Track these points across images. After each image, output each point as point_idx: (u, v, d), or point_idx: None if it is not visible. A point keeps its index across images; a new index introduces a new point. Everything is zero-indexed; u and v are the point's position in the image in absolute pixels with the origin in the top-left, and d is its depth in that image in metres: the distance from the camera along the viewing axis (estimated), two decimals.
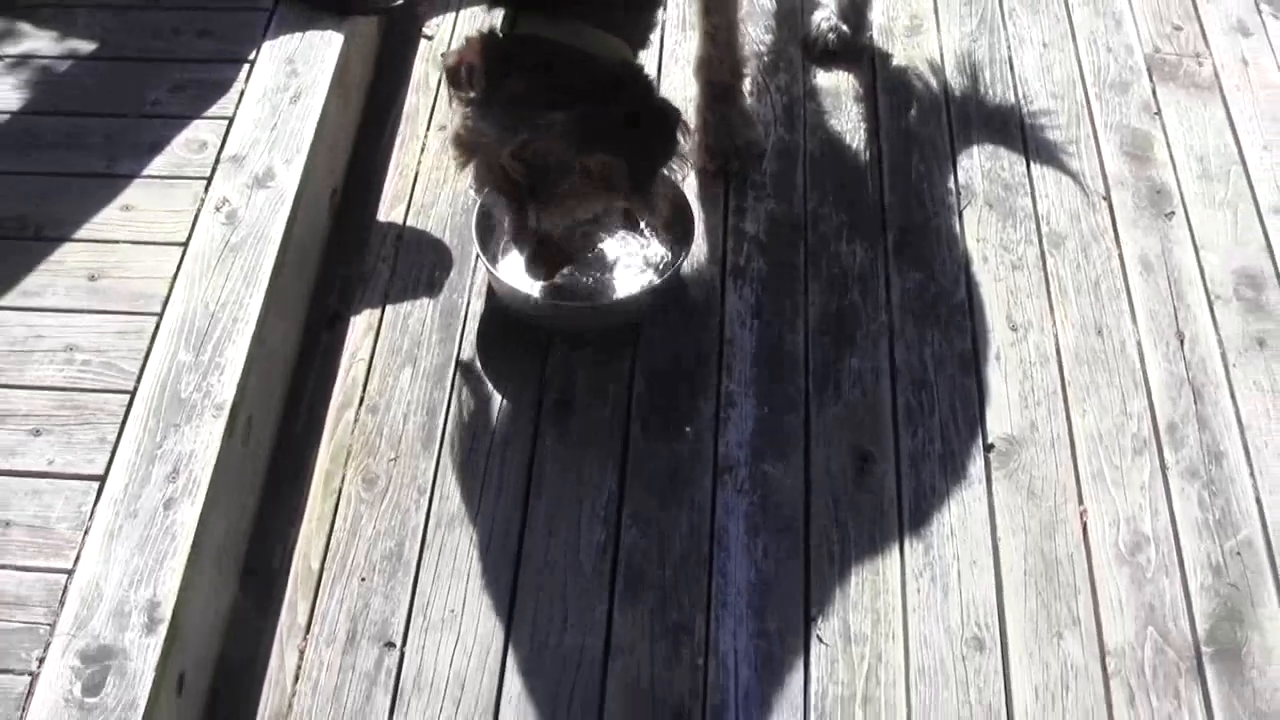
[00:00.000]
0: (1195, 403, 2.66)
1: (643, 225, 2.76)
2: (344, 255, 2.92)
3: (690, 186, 2.98)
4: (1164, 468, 2.56)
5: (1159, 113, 3.22)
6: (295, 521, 2.51)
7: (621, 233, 2.80)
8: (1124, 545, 2.46)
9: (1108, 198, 3.03)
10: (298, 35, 2.97)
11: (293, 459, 2.59)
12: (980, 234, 2.95)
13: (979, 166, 3.09)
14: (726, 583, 2.42)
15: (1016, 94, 3.27)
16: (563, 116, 2.33)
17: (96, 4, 3.09)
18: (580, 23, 2.42)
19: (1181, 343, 2.76)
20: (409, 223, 2.97)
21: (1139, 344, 2.76)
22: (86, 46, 2.99)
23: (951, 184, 3.05)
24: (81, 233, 2.63)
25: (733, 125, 3.00)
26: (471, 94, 2.42)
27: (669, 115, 2.48)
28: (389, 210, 3.00)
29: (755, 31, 3.38)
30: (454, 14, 3.45)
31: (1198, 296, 2.83)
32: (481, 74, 2.40)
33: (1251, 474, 2.55)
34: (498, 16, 2.51)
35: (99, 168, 2.75)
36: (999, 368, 2.71)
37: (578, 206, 2.49)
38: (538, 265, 2.58)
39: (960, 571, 2.43)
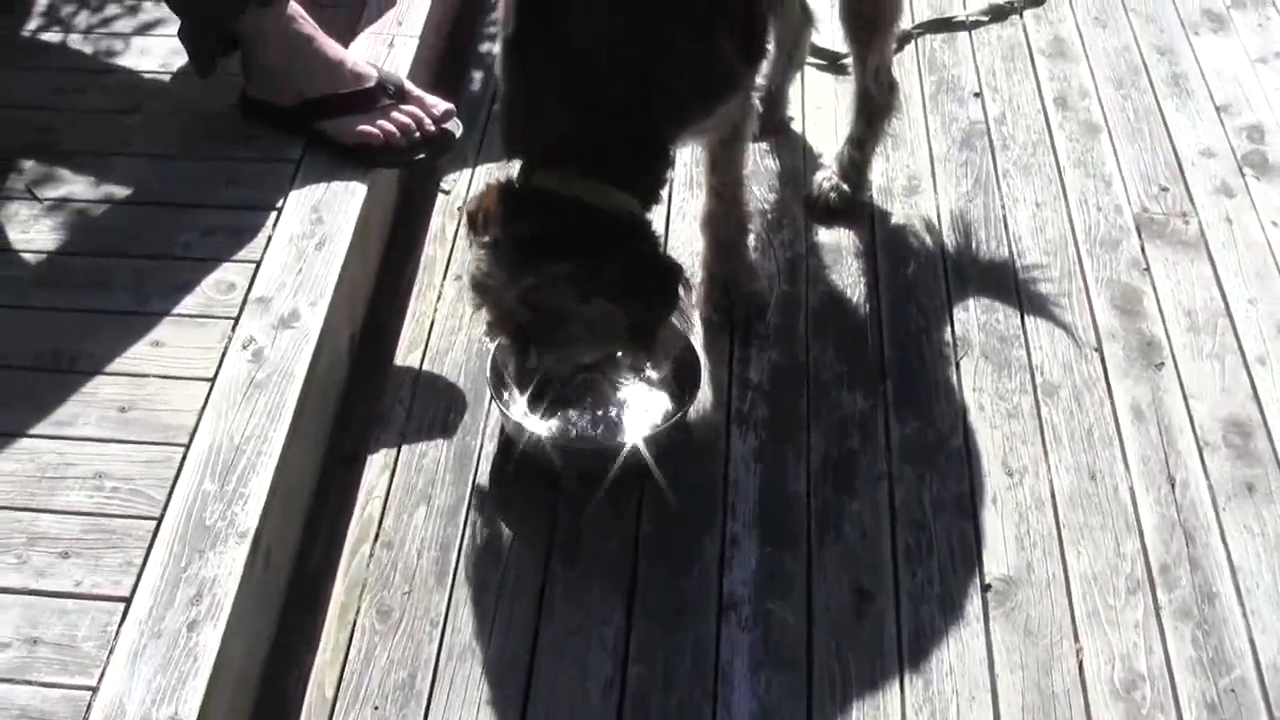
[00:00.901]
0: (1187, 545, 2.74)
1: (649, 372, 2.88)
2: (362, 397, 3.01)
3: (697, 336, 3.09)
4: (1157, 608, 2.63)
5: (1148, 269, 3.34)
6: (311, 650, 2.57)
7: (630, 379, 2.92)
8: (1119, 682, 2.52)
9: (1099, 349, 3.13)
10: (323, 185, 3.10)
11: (309, 590, 2.66)
12: (977, 384, 3.05)
13: (975, 319, 3.20)
14: (731, 717, 2.47)
15: (1011, 251, 3.39)
16: (567, 267, 2.46)
17: (132, 152, 3.22)
18: (592, 179, 2.54)
19: (1173, 487, 2.84)
20: (425, 367, 3.07)
21: (1131, 489, 2.84)
22: (121, 192, 3.11)
23: (948, 336, 3.16)
24: (113, 366, 2.72)
25: (738, 279, 3.12)
26: (485, 238, 2.55)
27: (671, 270, 2.61)
28: (406, 355, 3.10)
29: (760, 190, 3.52)
30: (470, 170, 3.59)
31: (1188, 444, 2.93)
32: (495, 219, 2.53)
33: (1244, 614, 2.62)
34: (514, 169, 2.64)
35: (130, 306, 2.84)
36: (995, 511, 2.79)
37: (577, 352, 2.64)
38: (536, 405, 2.69)
39: (959, 707, 2.49)
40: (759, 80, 3.06)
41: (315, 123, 3.20)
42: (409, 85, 3.26)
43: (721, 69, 2.70)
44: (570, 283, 2.48)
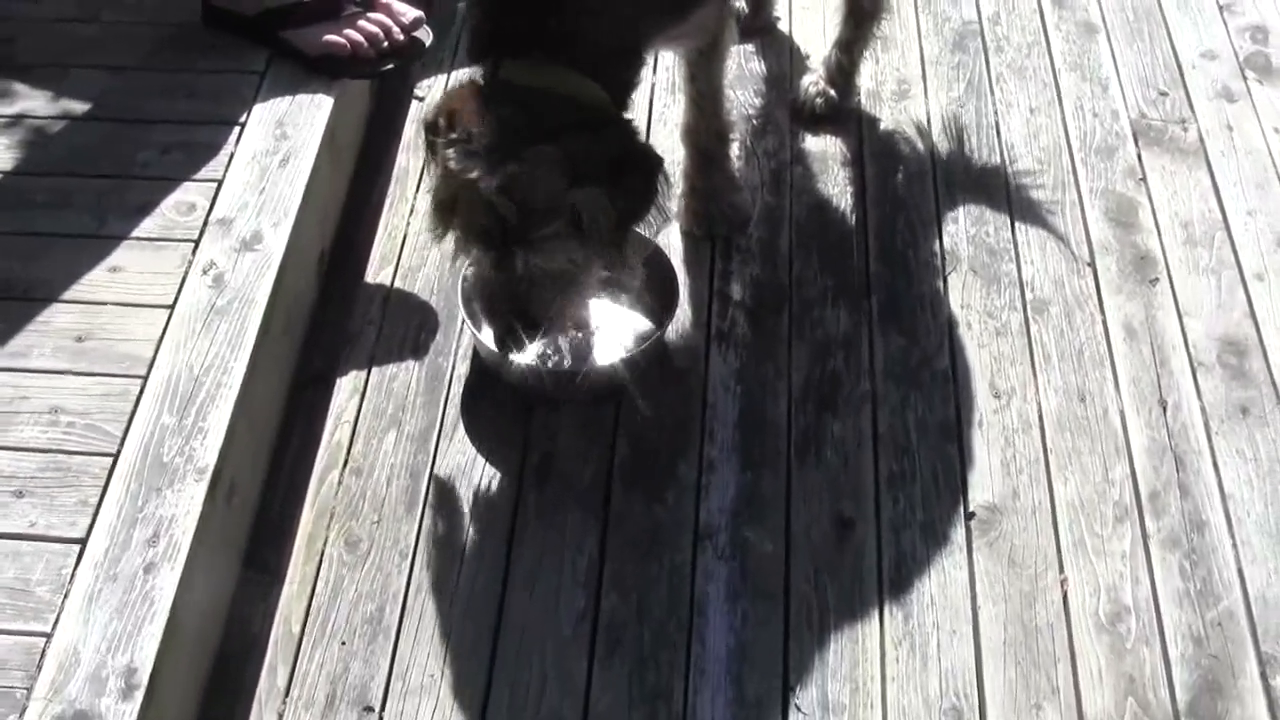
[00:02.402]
0: (1177, 471, 2.67)
1: (623, 291, 2.79)
2: (330, 317, 2.93)
3: (676, 250, 3.00)
4: (1145, 536, 2.57)
5: (1144, 178, 3.24)
6: (278, 584, 2.51)
7: (605, 299, 2.83)
8: (1104, 615, 2.46)
9: (1092, 264, 3.04)
10: (288, 98, 2.99)
11: (275, 522, 2.60)
12: (965, 300, 2.97)
13: (964, 232, 3.11)
14: (705, 650, 2.42)
15: (1003, 159, 3.29)
16: (552, 148, 2.32)
17: (90, 64, 3.11)
18: (563, 69, 2.42)
19: (1164, 410, 2.77)
20: (396, 284, 2.99)
21: (1121, 412, 2.77)
22: (79, 107, 3.01)
23: (937, 249, 3.07)
24: (69, 294, 2.64)
25: (719, 191, 3.02)
26: (453, 135, 2.38)
27: (653, 160, 2.48)
28: (376, 272, 3.02)
29: (744, 95, 3.42)
30: (445, 75, 3.47)
31: (1181, 364, 2.85)
32: (466, 115, 2.38)
33: (1234, 544, 2.56)
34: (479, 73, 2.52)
35: (88, 229, 2.76)
36: (981, 435, 2.72)
37: (563, 253, 2.44)
38: (513, 335, 2.53)
39: (940, 641, 2.44)
40: None
41: (280, 32, 3.09)
42: None
43: None
44: (559, 166, 2.32)
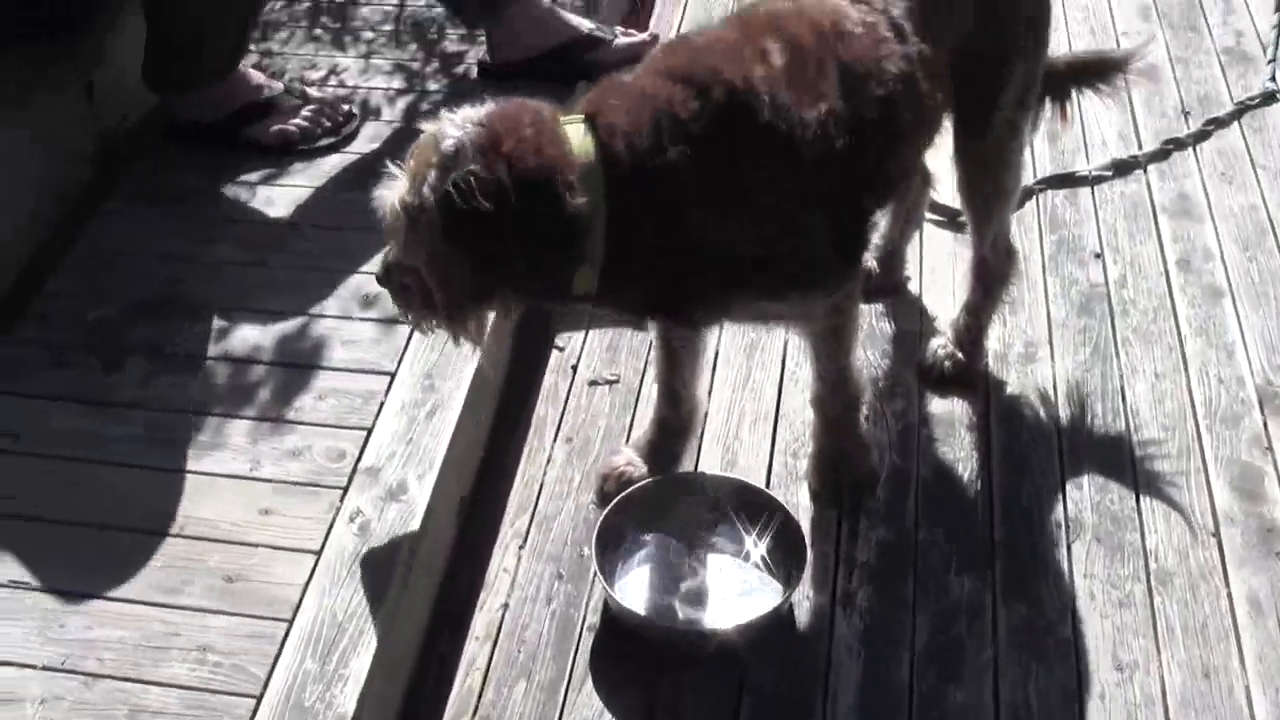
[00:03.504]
0: None
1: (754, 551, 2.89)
2: (466, 563, 3.02)
3: (804, 511, 3.07)
4: None
5: (1270, 447, 3.27)
6: None
7: (734, 559, 2.92)
8: None
9: (1216, 534, 3.07)
10: (437, 350, 3.13)
11: None
12: (1088, 569, 3.00)
13: (1089, 499, 3.15)
14: None
15: (1127, 425, 3.34)
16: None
17: (254, 308, 3.30)
18: None
19: None
20: (531, 534, 3.08)
21: (1247, 688, 2.77)
22: (241, 349, 3.18)
23: (1061, 516, 3.11)
24: (222, 533, 2.77)
25: (847, 455, 3.10)
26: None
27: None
28: (513, 520, 3.11)
29: (872, 355, 3.51)
30: (584, 330, 3.60)
31: None
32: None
33: None
34: None
35: (243, 470, 2.90)
36: (1103, 708, 2.73)
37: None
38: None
39: None
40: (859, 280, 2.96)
41: (240, 130, 3.80)
42: (311, 91, 3.95)
43: (801, 256, 2.69)
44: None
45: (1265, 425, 3.33)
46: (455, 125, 2.46)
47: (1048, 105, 3.37)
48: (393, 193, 2.49)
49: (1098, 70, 3.47)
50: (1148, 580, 2.98)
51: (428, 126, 2.54)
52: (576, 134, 2.52)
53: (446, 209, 2.40)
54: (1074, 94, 3.44)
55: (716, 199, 2.57)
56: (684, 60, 2.62)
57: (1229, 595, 2.95)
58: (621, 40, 4.10)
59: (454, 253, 2.45)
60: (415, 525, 2.75)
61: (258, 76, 3.86)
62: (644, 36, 4.16)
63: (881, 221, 3.65)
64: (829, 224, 2.68)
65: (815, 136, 2.58)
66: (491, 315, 2.68)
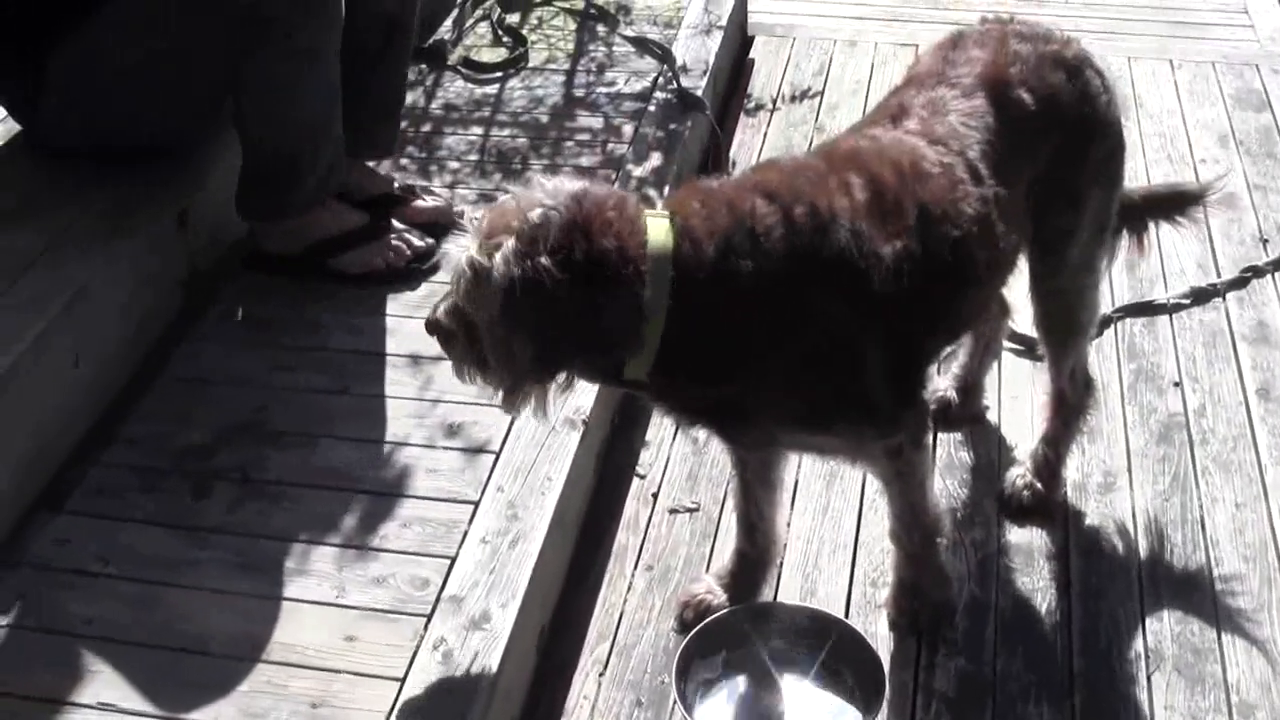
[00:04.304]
0: None
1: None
2: (547, 691, 3.04)
3: (883, 640, 3.08)
4: None
5: None
6: None
7: (814, 687, 2.93)
8: None
9: None
10: (520, 479, 3.18)
11: None
12: (1169, 701, 2.99)
13: (1168, 630, 3.15)
14: None
15: (1207, 556, 3.34)
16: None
17: (339, 435, 3.36)
18: None
19: None
20: (612, 661, 3.10)
21: None
22: (326, 476, 3.24)
23: (1140, 647, 3.10)
24: (307, 659, 2.81)
25: (925, 585, 3.11)
26: None
27: None
28: (593, 648, 3.13)
29: (951, 484, 3.53)
30: (666, 458, 3.64)
31: None
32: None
33: None
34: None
35: (328, 596, 2.94)
36: None
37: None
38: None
39: None
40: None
41: (325, 262, 3.89)
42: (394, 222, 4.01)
43: (852, 389, 2.71)
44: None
45: None
46: (546, 194, 2.51)
47: (1124, 237, 3.40)
48: (463, 249, 2.53)
49: (1174, 202, 3.50)
50: (1229, 713, 2.96)
51: (514, 188, 2.59)
52: (658, 228, 2.55)
53: (519, 281, 2.43)
54: (1150, 225, 3.47)
55: (775, 314, 2.60)
56: (773, 178, 2.68)
57: None
58: (427, 202, 4.21)
59: (516, 325, 2.49)
60: (498, 654, 2.78)
61: (342, 207, 3.95)
62: (443, 203, 4.24)
63: (961, 353, 3.69)
64: (887, 360, 2.71)
65: (887, 272, 2.63)
66: (552, 389, 2.66)
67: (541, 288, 2.42)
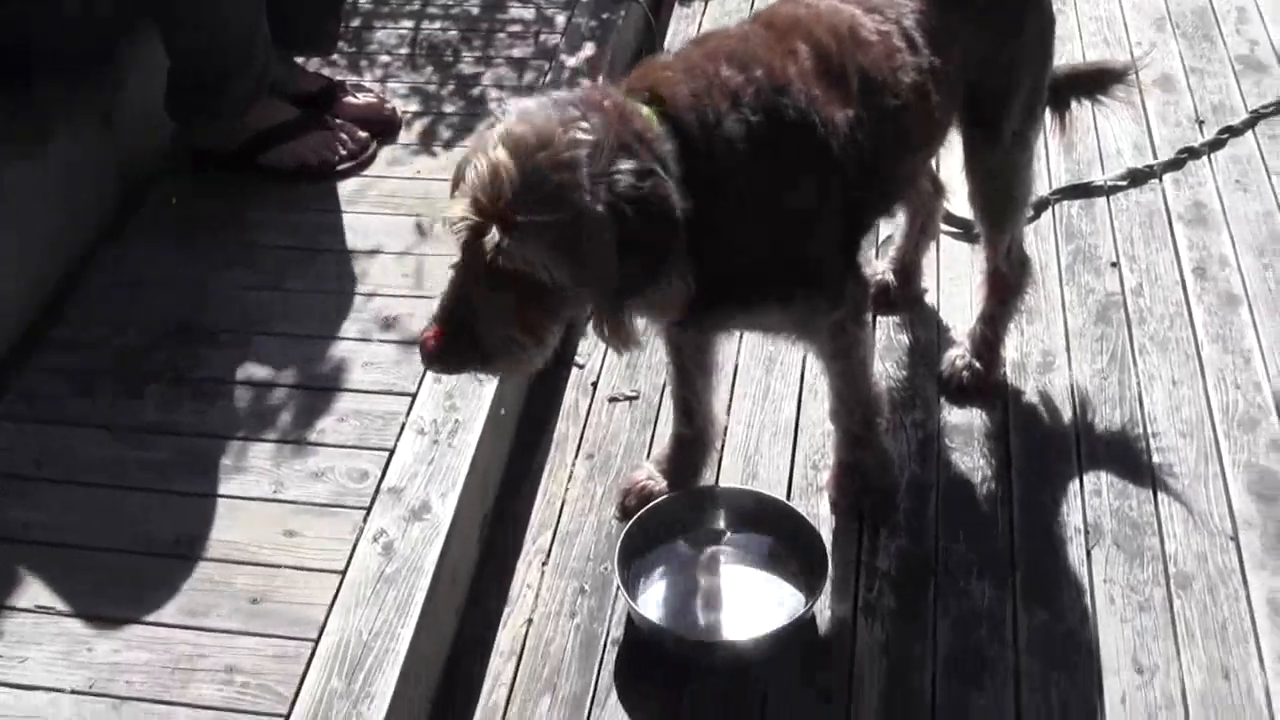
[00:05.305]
0: None
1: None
2: (490, 581, 3.04)
3: (825, 522, 3.09)
4: None
5: None
6: None
7: (756, 571, 2.94)
8: None
9: (1235, 538, 3.08)
10: None
11: None
12: (1108, 574, 3.01)
13: (1108, 505, 3.17)
14: None
15: (1145, 431, 3.36)
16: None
17: (273, 333, 3.33)
18: None
19: None
20: (554, 550, 3.10)
21: (1267, 688, 2.78)
22: (261, 373, 3.21)
23: (1079, 523, 3.13)
24: (247, 555, 2.80)
25: (866, 469, 3.11)
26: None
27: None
28: (536, 537, 3.13)
29: (890, 367, 3.53)
30: (604, 347, 3.61)
31: None
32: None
33: None
34: None
35: (266, 493, 2.93)
36: (1124, 711, 2.74)
37: (543, 255, 2.28)
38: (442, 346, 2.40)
39: None
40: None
41: (258, 157, 3.86)
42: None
43: (812, 255, 2.70)
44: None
45: None
46: (571, 123, 2.27)
47: (1048, 116, 3.38)
48: (465, 207, 2.28)
49: (1098, 80, 3.49)
50: (1167, 584, 2.99)
51: (489, 130, 2.35)
52: (643, 109, 2.44)
53: (625, 208, 2.26)
54: (1073, 105, 3.46)
55: (758, 180, 2.54)
56: (728, 45, 2.62)
57: (1248, 597, 2.96)
58: (358, 98, 4.16)
59: (623, 253, 2.29)
60: (439, 544, 2.78)
61: (274, 102, 3.89)
62: (374, 98, 4.18)
63: (897, 235, 3.68)
64: (838, 227, 2.71)
65: (842, 138, 2.61)
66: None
67: (648, 213, 2.29)
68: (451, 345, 2.37)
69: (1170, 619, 2.92)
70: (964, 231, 3.92)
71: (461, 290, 2.35)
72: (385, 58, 4.47)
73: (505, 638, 2.92)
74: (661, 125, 2.43)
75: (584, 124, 2.28)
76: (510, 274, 2.27)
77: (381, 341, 3.28)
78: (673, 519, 3.04)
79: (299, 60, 4.11)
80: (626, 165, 2.28)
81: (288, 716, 2.49)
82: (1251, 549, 3.06)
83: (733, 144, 2.49)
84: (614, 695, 2.81)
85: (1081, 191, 4.19)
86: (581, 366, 3.59)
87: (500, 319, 2.35)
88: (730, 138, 2.49)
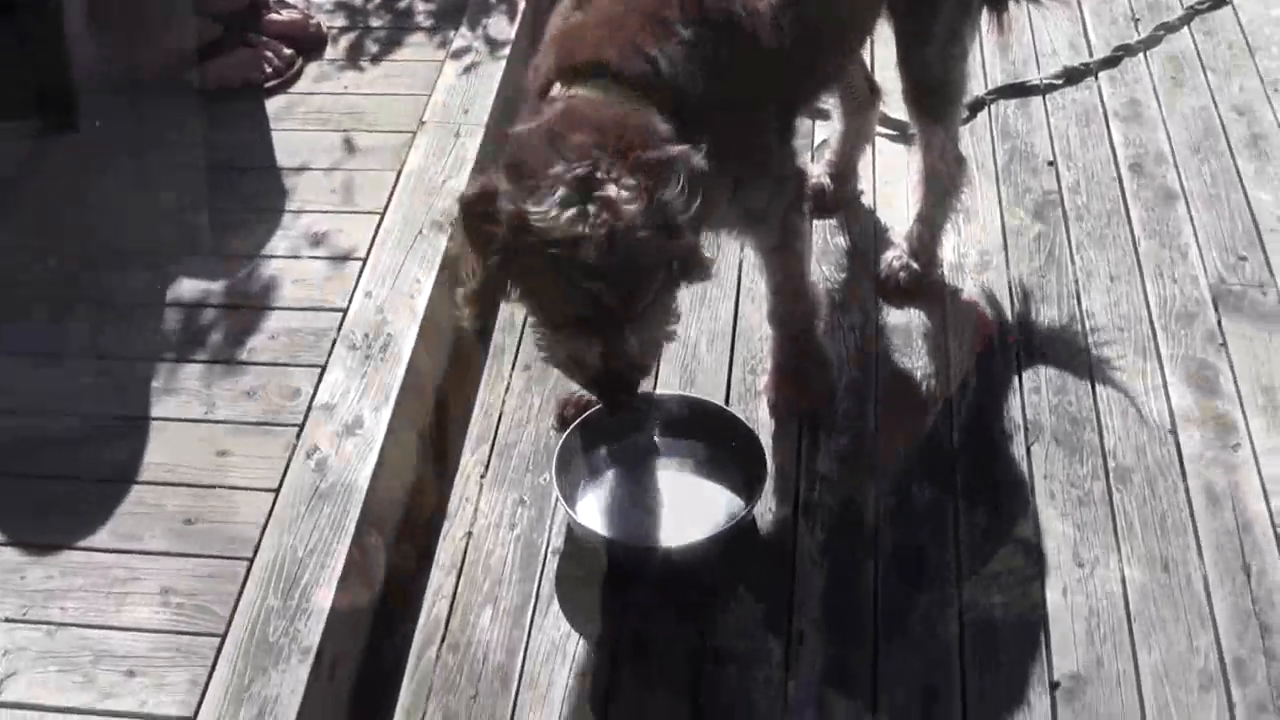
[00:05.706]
0: (1262, 638, 2.68)
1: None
2: (429, 495, 3.02)
3: (764, 426, 3.08)
4: (1231, 705, 2.58)
5: (1224, 344, 3.29)
6: None
7: (694, 476, 2.92)
8: None
9: (1174, 431, 3.08)
10: (388, 284, 3.13)
11: (377, 694, 2.67)
12: (1048, 470, 3.01)
13: (1047, 402, 3.16)
14: None
15: (1083, 327, 3.35)
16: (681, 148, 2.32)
17: (201, 253, 3.29)
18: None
19: (1248, 577, 2.78)
20: (492, 462, 3.07)
21: (1205, 579, 2.79)
22: (190, 293, 3.17)
23: (1019, 419, 3.12)
24: (179, 477, 2.78)
25: (805, 369, 3.10)
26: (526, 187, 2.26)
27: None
28: (474, 449, 3.10)
29: (828, 270, 3.51)
30: None
31: (1264, 530, 2.87)
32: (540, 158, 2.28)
33: None
34: None
35: (197, 413, 2.90)
36: (1066, 604, 2.75)
37: (666, 306, 2.41)
38: (616, 397, 2.49)
39: None
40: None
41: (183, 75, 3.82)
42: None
43: (758, 143, 2.69)
44: (654, 216, 2.24)
45: (1219, 323, 3.35)
46: (560, 161, 2.25)
47: (984, 16, 3.35)
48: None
49: None
50: (1107, 478, 2.99)
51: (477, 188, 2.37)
52: (596, 87, 2.43)
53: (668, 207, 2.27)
54: (1010, 4, 3.42)
55: (714, 88, 2.52)
56: None
57: (1186, 490, 2.97)
58: (283, 15, 4.12)
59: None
60: (373, 459, 2.76)
61: (197, 20, 3.83)
62: (299, 15, 4.14)
63: (833, 139, 3.66)
64: (776, 116, 2.70)
65: (768, 27, 2.58)
66: None
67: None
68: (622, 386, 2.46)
69: (1110, 513, 2.93)
70: (899, 133, 3.89)
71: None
72: None
73: (445, 551, 2.90)
74: (641, 104, 2.40)
75: (613, 188, 2.23)
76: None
77: (311, 258, 3.25)
78: (610, 428, 3.01)
79: None
80: (667, 195, 2.26)
81: (224, 635, 2.47)
82: (1190, 441, 3.06)
83: (687, 67, 2.48)
84: (555, 604, 2.79)
85: (1018, 91, 4.16)
86: None
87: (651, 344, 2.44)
88: (677, 60, 2.47)
